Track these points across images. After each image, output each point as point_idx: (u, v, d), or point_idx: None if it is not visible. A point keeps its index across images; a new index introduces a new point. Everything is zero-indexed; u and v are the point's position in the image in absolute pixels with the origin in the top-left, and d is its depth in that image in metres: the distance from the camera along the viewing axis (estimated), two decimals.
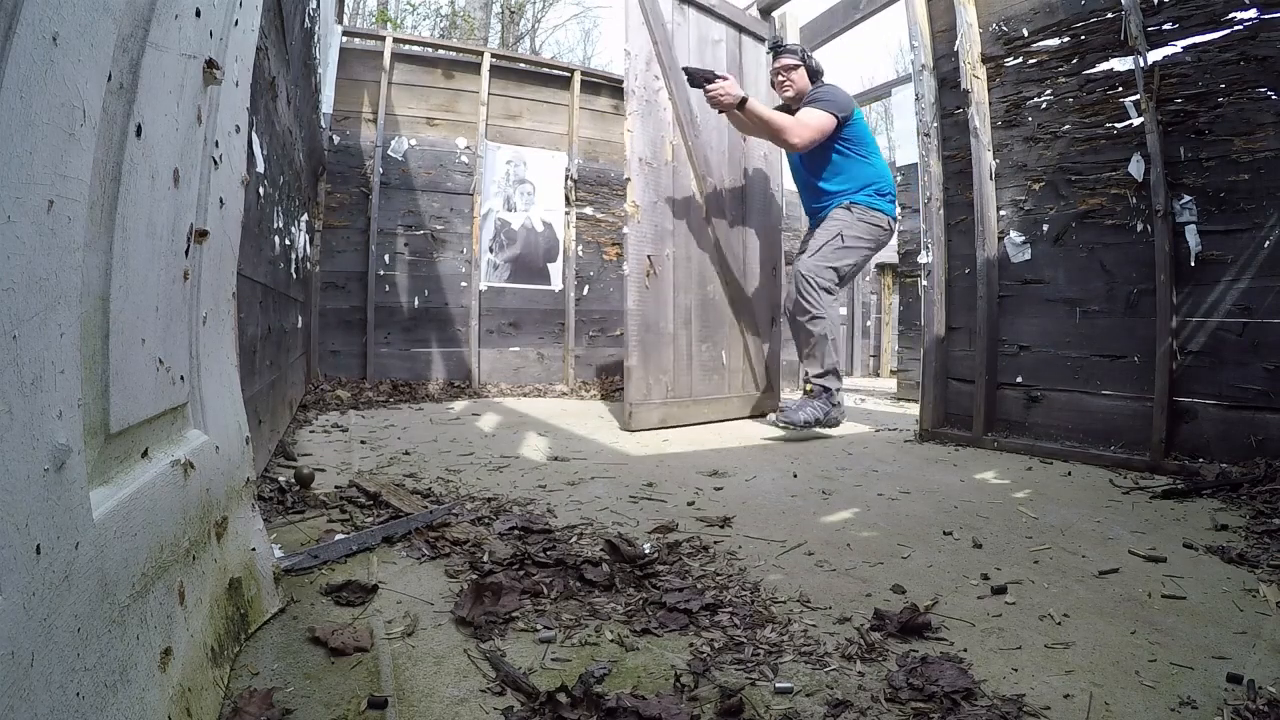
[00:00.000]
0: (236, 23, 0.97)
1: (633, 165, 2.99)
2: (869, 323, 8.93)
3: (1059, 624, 1.03)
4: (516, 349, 4.58)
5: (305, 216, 3.26)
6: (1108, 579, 1.23)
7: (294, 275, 2.75)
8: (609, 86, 4.89)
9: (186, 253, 0.85)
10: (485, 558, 1.23)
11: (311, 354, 3.96)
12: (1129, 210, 2.33)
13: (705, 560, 1.28)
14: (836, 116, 2.86)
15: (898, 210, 3.32)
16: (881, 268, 8.08)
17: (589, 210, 4.77)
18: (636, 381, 2.98)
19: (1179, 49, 2.18)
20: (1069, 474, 2.16)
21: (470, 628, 0.96)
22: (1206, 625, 1.03)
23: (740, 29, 3.53)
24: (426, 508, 1.52)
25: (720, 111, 2.85)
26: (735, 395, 3.42)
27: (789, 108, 3.03)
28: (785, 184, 3.79)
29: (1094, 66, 2.40)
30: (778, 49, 3.08)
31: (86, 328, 0.59)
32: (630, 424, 2.94)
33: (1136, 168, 2.28)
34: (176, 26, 0.74)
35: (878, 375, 8.30)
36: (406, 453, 2.29)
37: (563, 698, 0.76)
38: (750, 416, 3.52)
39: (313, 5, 2.91)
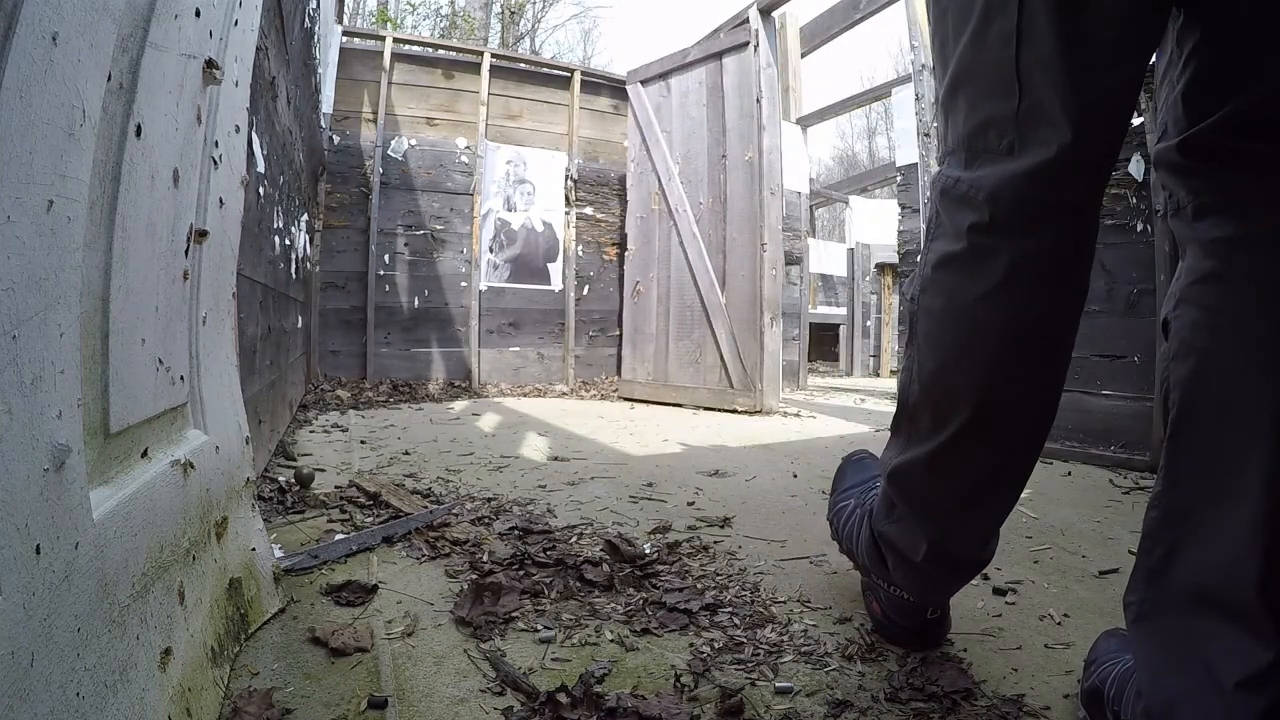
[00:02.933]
0: (236, 22, 0.97)
1: (630, 221, 4.32)
2: (869, 323, 8.93)
3: (1059, 624, 1.03)
4: (516, 349, 4.58)
5: (305, 216, 3.26)
6: (1108, 579, 1.23)
7: (294, 275, 2.75)
8: (609, 86, 4.89)
9: (186, 253, 0.85)
10: (485, 558, 1.23)
11: (311, 354, 3.96)
12: (1129, 210, 2.33)
13: (705, 560, 1.28)
14: None
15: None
16: (881, 267, 8.08)
17: (589, 210, 4.77)
18: (627, 364, 4.36)
19: None
20: (1069, 474, 2.16)
21: (470, 628, 0.96)
22: None
23: (718, 55, 3.80)
24: (426, 508, 1.52)
25: None
26: (707, 387, 3.86)
27: None
28: (785, 183, 3.93)
29: None
30: None
31: (86, 328, 0.59)
32: (620, 393, 4.35)
33: (1136, 168, 2.28)
34: (176, 26, 0.74)
35: (878, 375, 8.29)
36: (406, 453, 2.29)
37: (563, 698, 0.76)
38: (732, 411, 3.64)
39: (313, 5, 2.91)
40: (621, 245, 4.64)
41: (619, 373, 4.57)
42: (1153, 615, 0.61)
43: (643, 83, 4.23)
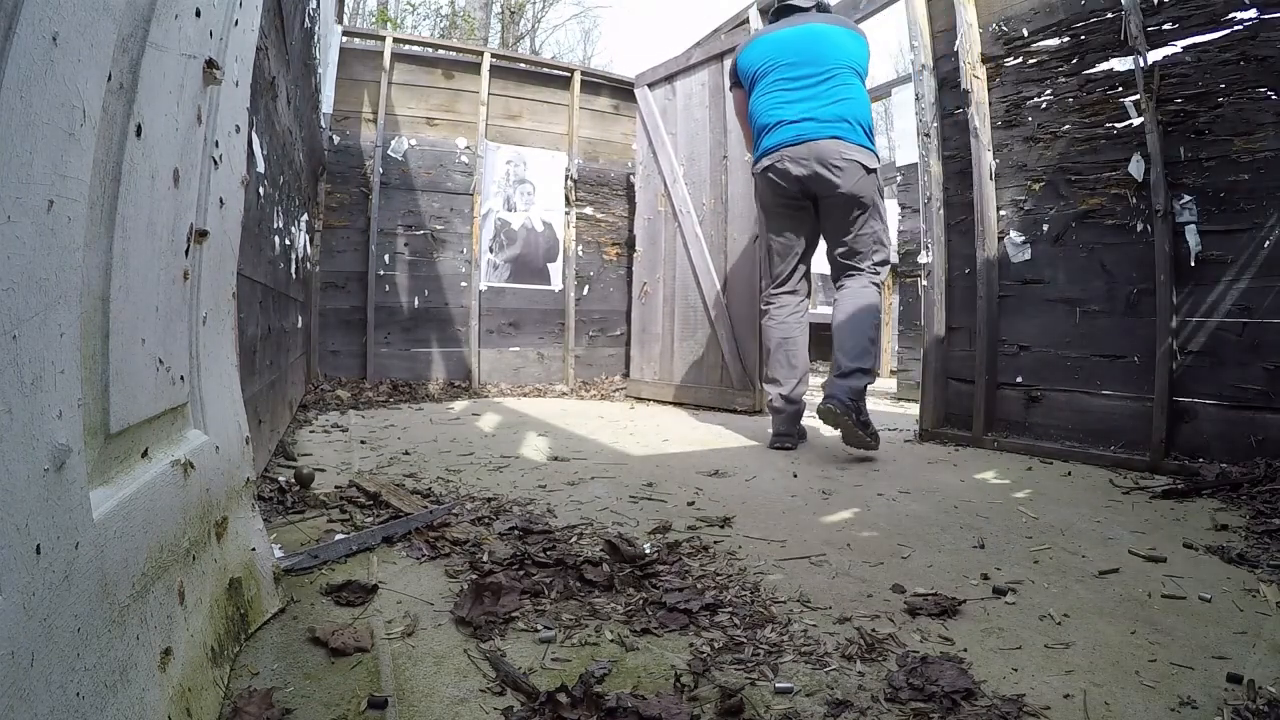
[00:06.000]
0: (236, 22, 0.97)
1: (638, 223, 4.39)
2: None
3: (1059, 624, 1.03)
4: (516, 349, 4.58)
5: (305, 216, 3.26)
6: (1108, 579, 1.23)
7: (294, 275, 2.75)
8: (609, 86, 4.88)
9: (186, 253, 0.85)
10: (485, 558, 1.23)
11: (311, 354, 3.96)
12: (1129, 210, 2.33)
13: (705, 560, 1.28)
14: (738, 84, 2.75)
15: (787, 132, 2.50)
16: None
17: (589, 210, 4.77)
18: (635, 364, 4.40)
19: (1179, 49, 2.18)
20: (1069, 474, 2.16)
21: (470, 628, 0.96)
22: (1206, 625, 1.03)
23: (719, 57, 3.80)
24: (426, 508, 1.52)
25: None
26: (708, 387, 3.86)
27: None
28: None
29: (1094, 66, 2.40)
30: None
31: (86, 328, 0.59)
32: (628, 392, 4.40)
33: (1136, 168, 2.28)
34: (176, 26, 0.74)
35: (878, 375, 8.31)
36: (406, 453, 2.29)
37: (563, 697, 0.76)
38: (732, 410, 3.62)
39: (313, 5, 2.91)
40: (630, 246, 4.64)
41: (627, 373, 4.58)
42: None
43: (650, 86, 4.23)
